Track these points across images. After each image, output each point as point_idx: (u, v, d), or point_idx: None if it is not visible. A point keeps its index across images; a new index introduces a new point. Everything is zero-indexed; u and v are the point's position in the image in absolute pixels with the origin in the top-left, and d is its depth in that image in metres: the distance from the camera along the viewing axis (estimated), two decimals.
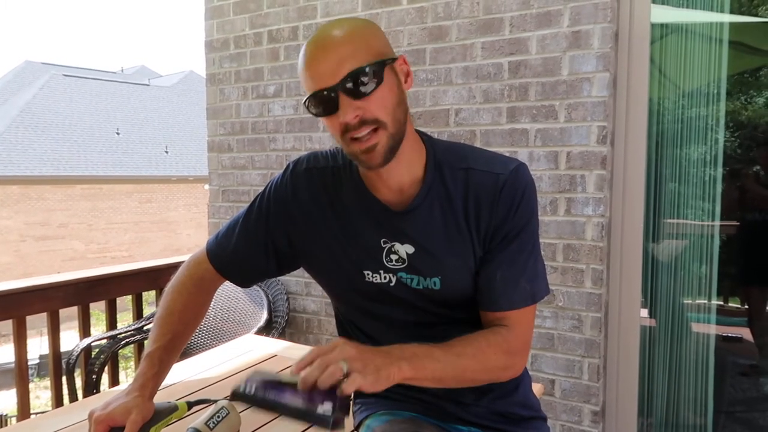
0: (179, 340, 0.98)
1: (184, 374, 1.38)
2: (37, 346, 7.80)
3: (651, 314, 2.27)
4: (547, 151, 2.01)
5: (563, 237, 2.00)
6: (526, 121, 2.04)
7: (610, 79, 1.92)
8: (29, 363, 2.10)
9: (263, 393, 0.74)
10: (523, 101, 2.04)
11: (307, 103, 0.86)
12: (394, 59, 0.88)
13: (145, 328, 2.36)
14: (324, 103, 0.84)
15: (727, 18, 2.18)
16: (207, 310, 1.07)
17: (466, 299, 0.95)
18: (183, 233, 17.66)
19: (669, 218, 2.22)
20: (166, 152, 18.27)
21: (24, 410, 2.02)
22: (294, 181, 1.01)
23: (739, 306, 3.03)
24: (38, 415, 1.71)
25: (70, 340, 2.40)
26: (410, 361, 0.80)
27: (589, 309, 1.97)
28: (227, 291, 2.53)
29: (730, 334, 2.83)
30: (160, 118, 19.56)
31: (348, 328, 1.07)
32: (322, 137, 2.51)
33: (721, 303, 2.76)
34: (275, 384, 0.77)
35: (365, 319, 1.02)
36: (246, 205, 1.05)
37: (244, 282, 1.06)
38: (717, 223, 2.16)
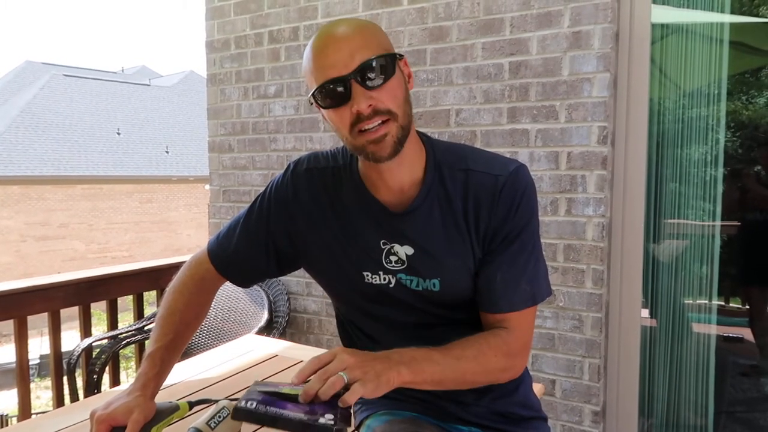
0: (180, 340, 0.98)
1: (186, 374, 1.38)
2: (38, 346, 7.80)
3: (652, 314, 2.26)
4: (547, 152, 2.01)
5: (564, 237, 2.00)
6: (526, 121, 2.05)
7: (611, 80, 1.92)
8: (30, 363, 2.10)
9: (265, 408, 0.74)
10: (524, 101, 2.04)
11: (314, 96, 0.85)
12: (402, 56, 0.89)
13: (146, 328, 2.36)
14: (335, 93, 0.83)
15: (728, 18, 2.18)
16: (208, 310, 1.07)
17: (465, 300, 0.95)
18: (183, 233, 17.67)
19: (670, 218, 2.22)
20: (167, 152, 18.28)
21: (25, 410, 2.03)
22: (294, 181, 1.01)
23: (740, 306, 3.02)
24: (39, 415, 1.71)
25: (71, 340, 2.40)
26: (409, 365, 0.80)
27: (589, 309, 1.97)
28: (228, 291, 2.54)
29: (730, 335, 2.83)
30: (161, 118, 19.57)
31: (348, 329, 1.07)
32: (323, 137, 2.51)
33: (722, 303, 2.76)
34: (276, 397, 0.77)
35: (365, 319, 1.02)
36: (247, 206, 1.06)
37: (244, 282, 1.07)
38: (718, 223, 2.16)
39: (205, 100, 2.87)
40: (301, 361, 1.44)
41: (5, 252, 14.34)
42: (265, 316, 2.37)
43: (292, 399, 0.76)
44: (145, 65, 28.11)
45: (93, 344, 2.22)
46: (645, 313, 2.19)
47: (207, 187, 2.97)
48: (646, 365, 2.15)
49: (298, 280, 2.61)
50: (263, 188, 1.05)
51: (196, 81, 21.68)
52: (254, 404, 0.74)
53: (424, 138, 0.97)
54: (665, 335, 2.24)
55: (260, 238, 1.01)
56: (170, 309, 0.99)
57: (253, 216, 1.03)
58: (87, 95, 18.42)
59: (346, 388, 0.74)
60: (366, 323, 1.02)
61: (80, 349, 2.16)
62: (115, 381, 2.34)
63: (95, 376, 2.13)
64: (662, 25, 2.24)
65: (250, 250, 1.02)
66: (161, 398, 0.91)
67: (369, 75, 0.82)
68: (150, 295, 2.56)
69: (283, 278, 2.59)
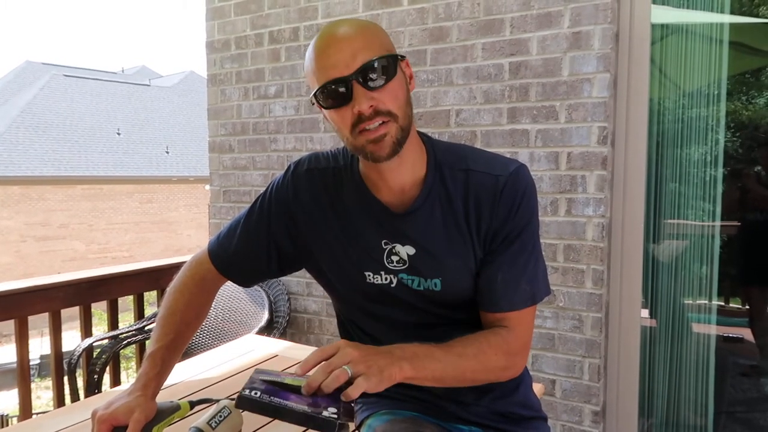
0: (181, 339, 0.99)
1: (186, 374, 1.38)
2: (39, 346, 7.80)
3: (651, 314, 2.27)
4: (547, 152, 2.02)
5: (564, 237, 2.00)
6: (526, 121, 2.05)
7: (611, 80, 1.92)
8: (30, 363, 2.11)
9: (269, 398, 0.74)
10: (524, 102, 2.05)
11: (316, 96, 0.86)
12: (403, 57, 0.89)
13: (146, 328, 2.36)
14: (336, 93, 0.84)
15: (728, 18, 2.18)
16: (209, 310, 1.07)
17: (466, 300, 0.95)
18: (184, 234, 17.67)
19: (669, 218, 2.22)
20: (167, 152, 18.28)
21: (25, 410, 2.03)
22: (295, 181, 1.01)
23: (740, 306, 3.03)
24: (40, 415, 1.71)
25: (72, 340, 2.40)
26: (411, 361, 0.80)
27: (589, 309, 1.97)
28: (228, 291, 2.54)
29: (730, 335, 2.83)
30: (161, 118, 19.57)
31: (349, 329, 1.07)
32: (323, 138, 2.51)
33: (722, 303, 2.76)
34: (279, 387, 0.77)
35: (366, 319, 1.02)
36: (247, 206, 1.06)
37: (245, 282, 1.07)
38: (717, 223, 2.17)
39: (205, 100, 2.88)
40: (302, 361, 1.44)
41: (5, 252, 14.34)
42: (266, 316, 2.37)
43: (294, 390, 0.76)
44: (145, 65, 28.12)
45: (93, 344, 2.22)
46: (645, 313, 2.19)
47: (207, 187, 2.98)
48: (646, 365, 2.15)
49: (299, 280, 2.61)
50: (264, 189, 1.05)
51: (196, 81, 21.69)
52: (258, 393, 0.75)
53: (424, 138, 0.97)
54: (665, 335, 2.25)
55: (261, 239, 1.01)
56: (171, 309, 0.99)
57: (254, 216, 1.03)
58: (87, 95, 18.42)
59: (349, 382, 0.74)
60: (367, 323, 1.02)
61: (81, 349, 2.16)
62: (116, 381, 2.34)
63: (96, 376, 2.13)
64: (662, 26, 2.24)
65: (250, 250, 1.02)
66: (162, 398, 0.92)
67: (371, 76, 0.83)
68: (150, 295, 2.56)
69: (283, 278, 2.60)
